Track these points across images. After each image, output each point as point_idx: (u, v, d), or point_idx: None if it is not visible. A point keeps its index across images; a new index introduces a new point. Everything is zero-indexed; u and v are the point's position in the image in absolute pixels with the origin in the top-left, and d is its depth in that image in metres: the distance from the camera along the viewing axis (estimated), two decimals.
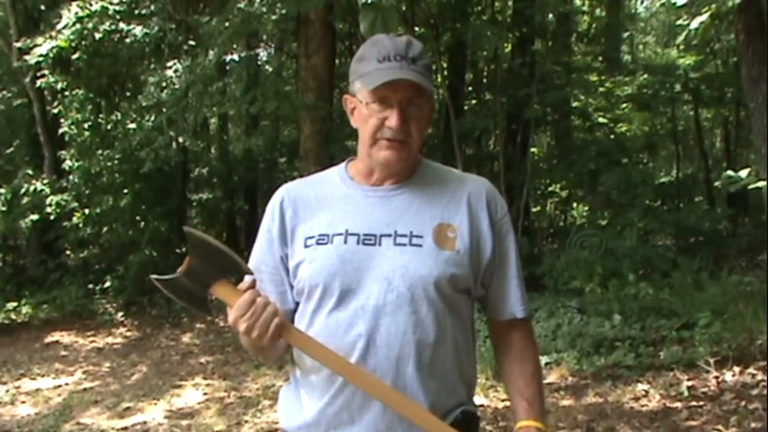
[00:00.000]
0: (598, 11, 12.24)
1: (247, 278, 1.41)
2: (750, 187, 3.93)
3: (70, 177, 9.90)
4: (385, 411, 1.40)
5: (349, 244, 1.44)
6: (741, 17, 4.25)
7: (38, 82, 9.65)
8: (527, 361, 1.53)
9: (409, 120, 1.43)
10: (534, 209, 11.27)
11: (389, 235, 1.44)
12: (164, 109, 8.60)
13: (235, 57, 8.92)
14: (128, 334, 8.66)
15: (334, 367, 1.37)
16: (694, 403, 4.30)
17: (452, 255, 1.44)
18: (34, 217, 9.90)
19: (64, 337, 8.61)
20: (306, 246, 1.47)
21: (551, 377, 5.13)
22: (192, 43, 9.03)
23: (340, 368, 1.37)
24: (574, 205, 12.60)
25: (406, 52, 1.43)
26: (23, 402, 5.93)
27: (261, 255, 1.53)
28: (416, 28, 9.59)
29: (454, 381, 1.47)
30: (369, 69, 1.43)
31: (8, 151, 12.13)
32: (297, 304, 1.51)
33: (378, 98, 1.43)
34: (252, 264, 1.52)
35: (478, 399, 1.49)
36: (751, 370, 4.60)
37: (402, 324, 1.40)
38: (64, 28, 8.58)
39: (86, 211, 9.82)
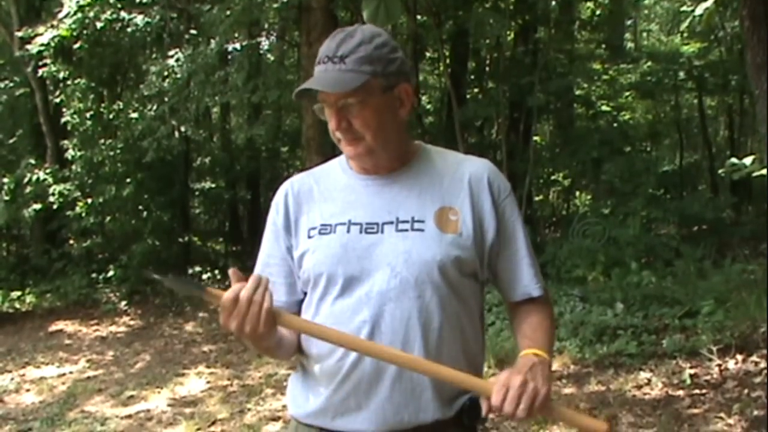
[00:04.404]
0: None
1: (231, 272, 1.36)
2: (754, 174, 3.90)
3: (73, 166, 9.92)
4: (391, 396, 1.40)
5: (352, 233, 1.44)
6: (746, 3, 4.20)
7: (40, 72, 9.63)
8: (539, 324, 1.48)
9: (349, 118, 1.41)
10: (537, 198, 11.26)
11: (391, 222, 1.44)
12: (166, 99, 8.61)
13: (237, 46, 8.91)
14: (131, 322, 8.69)
15: (337, 342, 1.35)
16: (696, 391, 4.31)
17: (455, 238, 1.43)
18: (37, 206, 9.92)
19: (68, 325, 8.64)
20: (309, 236, 1.48)
21: (553, 365, 5.12)
22: (193, 32, 9.02)
23: (344, 342, 1.35)
24: (577, 193, 12.57)
25: (335, 51, 1.40)
26: (28, 390, 5.96)
27: (269, 248, 1.55)
28: (418, 16, 9.56)
29: (461, 366, 1.46)
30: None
31: (11, 140, 12.14)
32: (305, 294, 1.52)
33: (322, 102, 1.44)
34: (261, 257, 1.55)
35: None
36: (753, 358, 4.59)
37: (407, 309, 1.40)
38: (65, 17, 8.56)
39: (89, 200, 9.85)
